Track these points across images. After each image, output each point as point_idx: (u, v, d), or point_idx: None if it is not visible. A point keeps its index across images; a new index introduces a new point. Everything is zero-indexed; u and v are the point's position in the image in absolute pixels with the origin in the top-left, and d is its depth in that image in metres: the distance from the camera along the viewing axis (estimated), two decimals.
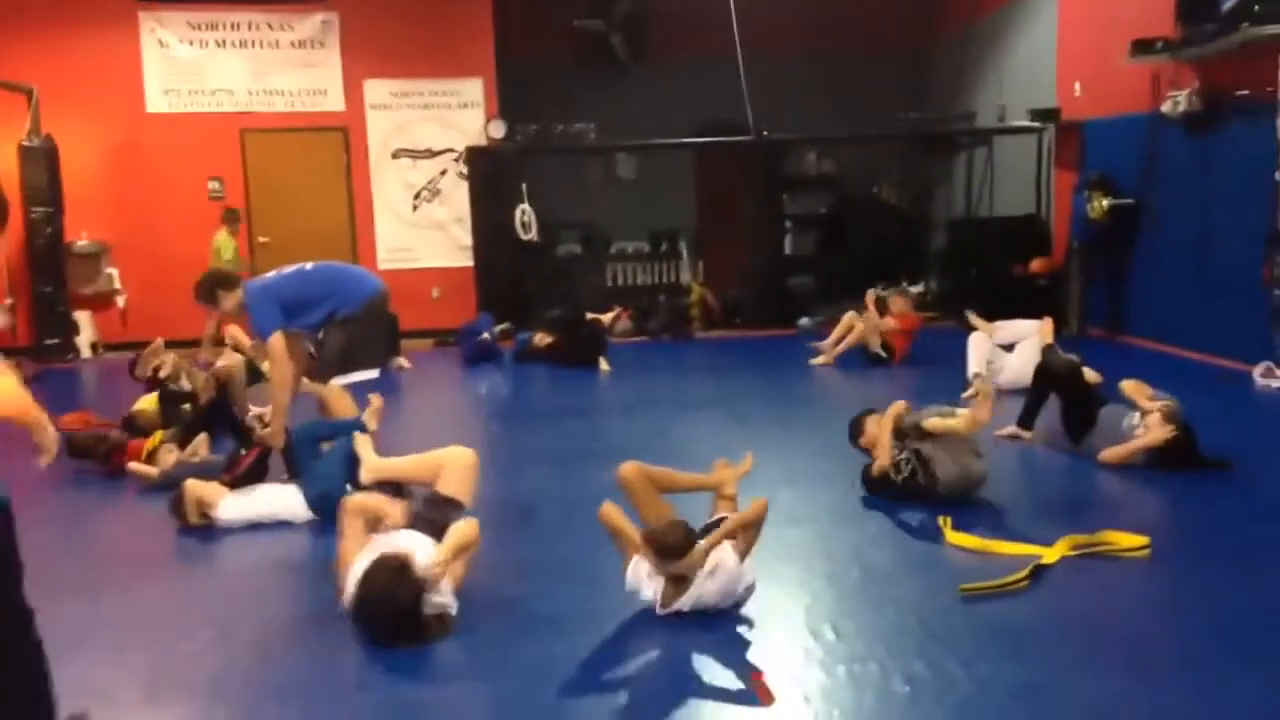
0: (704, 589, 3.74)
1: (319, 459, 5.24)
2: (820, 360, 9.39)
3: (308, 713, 3.29)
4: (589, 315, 10.39)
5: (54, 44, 11.12)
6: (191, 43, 11.49)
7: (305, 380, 5.97)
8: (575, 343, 9.95)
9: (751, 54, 11.43)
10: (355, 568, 3.81)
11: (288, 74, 11.66)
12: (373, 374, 6.09)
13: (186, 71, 11.52)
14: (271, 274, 6.03)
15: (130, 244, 11.45)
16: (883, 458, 5.22)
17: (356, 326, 5.88)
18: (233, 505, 5.17)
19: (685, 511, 4.20)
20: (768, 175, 12.59)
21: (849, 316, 9.44)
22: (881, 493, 5.23)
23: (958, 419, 5.14)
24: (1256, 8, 7.58)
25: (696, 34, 12.26)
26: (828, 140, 13.52)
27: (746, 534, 3.87)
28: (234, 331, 8.19)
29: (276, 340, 5.63)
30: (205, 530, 5.11)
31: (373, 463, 4.92)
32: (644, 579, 3.79)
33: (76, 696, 3.01)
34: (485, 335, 10.26)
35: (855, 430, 5.50)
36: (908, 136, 13.31)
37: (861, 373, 9.07)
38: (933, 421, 5.17)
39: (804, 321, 11.76)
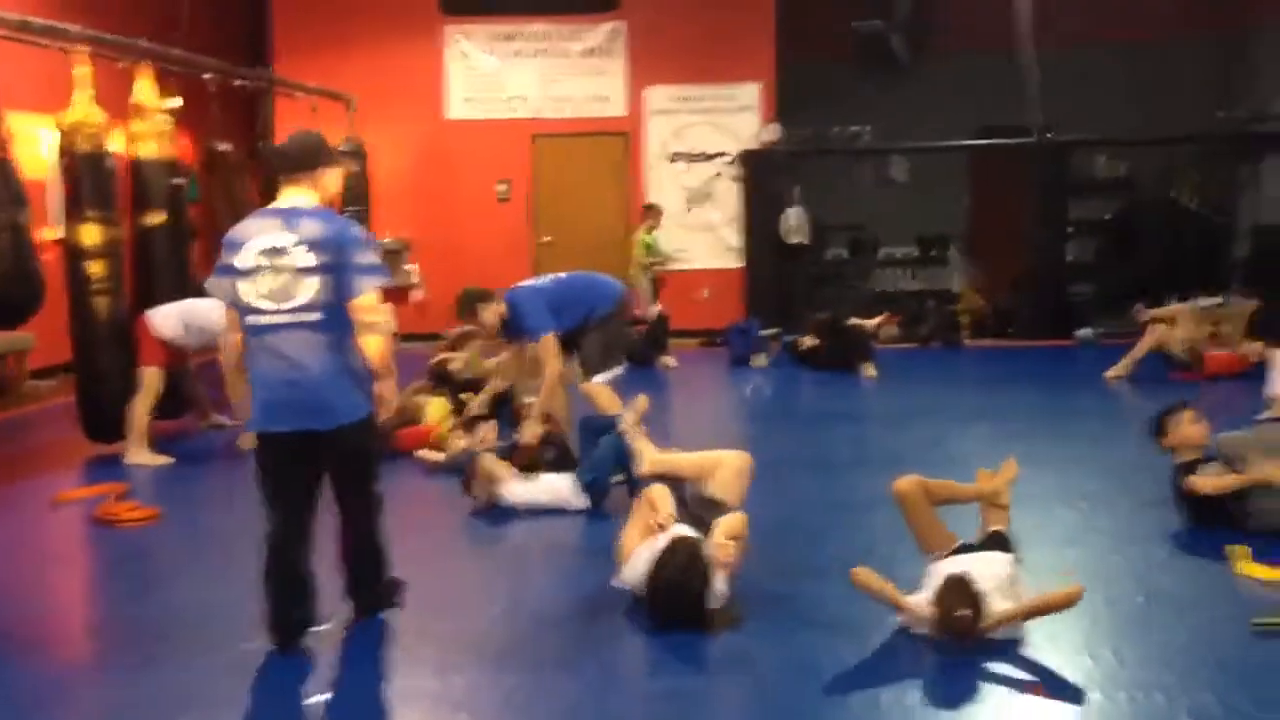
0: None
1: (601, 448, 5.50)
2: (1115, 372, 8.92)
3: (583, 688, 3.51)
4: (853, 320, 10.31)
5: (369, 56, 12.15)
6: (491, 53, 12.27)
7: (569, 377, 6.33)
8: (838, 346, 9.91)
9: (1039, 48, 10.97)
10: (641, 551, 4.03)
11: (576, 81, 12.25)
12: (623, 369, 6.39)
13: (485, 80, 12.31)
14: (529, 281, 6.45)
15: (427, 242, 12.35)
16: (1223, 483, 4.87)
17: (611, 326, 6.23)
18: (518, 488, 5.54)
19: (953, 523, 4.16)
20: (1050, 178, 12.04)
21: (1160, 328, 8.92)
22: (1191, 507, 4.92)
23: None
24: None
25: (980, 28, 11.89)
26: (1115, 142, 12.78)
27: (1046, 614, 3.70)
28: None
29: (550, 340, 6.00)
30: (490, 513, 5.49)
31: (652, 456, 5.07)
32: (921, 623, 3.71)
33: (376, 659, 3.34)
34: (762, 360, 10.31)
35: (1163, 426, 5.13)
36: (1211, 137, 12.37)
37: (1154, 388, 8.52)
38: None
39: (1083, 332, 11.20)
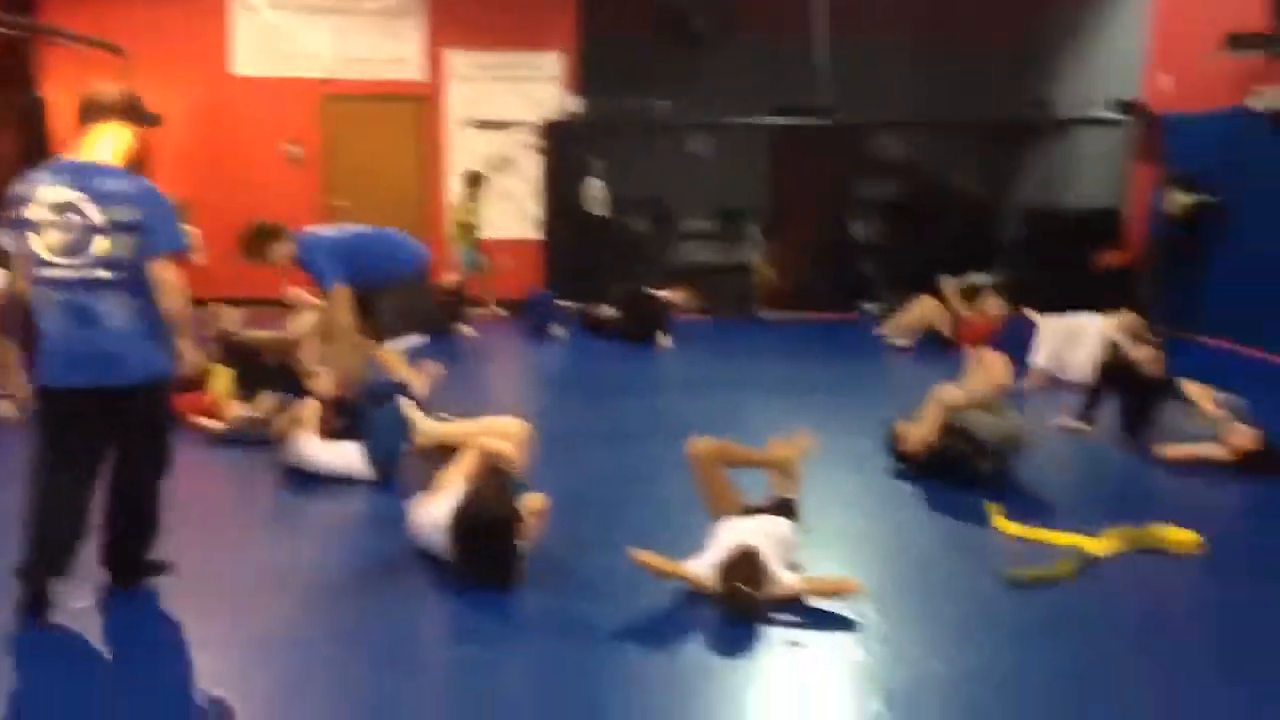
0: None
1: (378, 421, 5.35)
2: (889, 332, 9.44)
3: (364, 662, 3.42)
4: (652, 291, 10.44)
5: (147, 6, 11.40)
6: (280, 7, 11.72)
7: (361, 342, 6.14)
8: (637, 318, 10.03)
9: (834, 35, 11.35)
10: (440, 500, 4.07)
11: (371, 41, 11.85)
12: (423, 339, 6.24)
13: (274, 36, 11.76)
14: (328, 229, 6.22)
15: (209, 204, 11.73)
16: (923, 429, 5.21)
17: (411, 292, 6.07)
18: (315, 446, 5.36)
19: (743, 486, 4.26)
20: (842, 158, 12.49)
21: (928, 302, 9.44)
22: (918, 467, 5.23)
23: (974, 380, 5.23)
24: None
25: (780, 13, 12.19)
26: (902, 124, 13.37)
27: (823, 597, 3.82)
28: (299, 293, 8.39)
29: (339, 290, 5.81)
30: (276, 481, 5.29)
31: (426, 427, 5.00)
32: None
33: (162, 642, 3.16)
34: (559, 330, 10.30)
35: (894, 443, 5.47)
36: (986, 124, 13.11)
37: (928, 359, 9.02)
38: (950, 393, 5.21)
39: (868, 306, 11.70)
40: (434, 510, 4.10)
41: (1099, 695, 3.18)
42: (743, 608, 3.61)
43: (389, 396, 5.31)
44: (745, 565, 3.64)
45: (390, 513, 4.65)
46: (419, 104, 11.98)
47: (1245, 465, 5.34)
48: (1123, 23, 11.21)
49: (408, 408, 5.08)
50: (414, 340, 6.24)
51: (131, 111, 3.69)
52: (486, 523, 3.89)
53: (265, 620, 3.70)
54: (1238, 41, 8.72)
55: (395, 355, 6.07)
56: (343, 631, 3.62)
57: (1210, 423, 5.56)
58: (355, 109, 11.82)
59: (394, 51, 11.90)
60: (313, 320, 8.00)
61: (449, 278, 10.61)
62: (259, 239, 5.98)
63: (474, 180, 11.20)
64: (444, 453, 4.65)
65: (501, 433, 4.61)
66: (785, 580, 3.70)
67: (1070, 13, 12.33)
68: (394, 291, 6.10)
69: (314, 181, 11.92)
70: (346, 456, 5.37)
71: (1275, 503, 5.07)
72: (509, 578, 3.89)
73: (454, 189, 11.43)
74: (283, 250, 5.95)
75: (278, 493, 5.22)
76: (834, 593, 3.76)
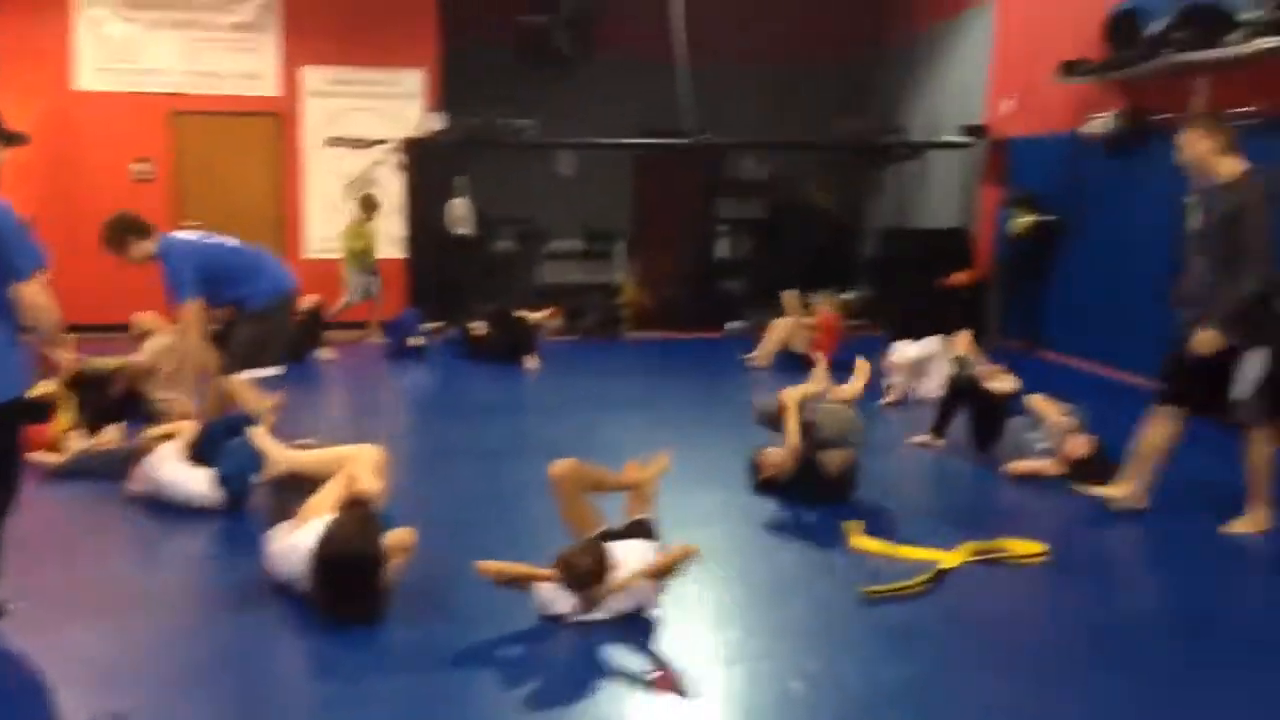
0: (617, 604, 3.80)
1: (229, 450, 5.16)
2: (753, 356, 9.55)
3: (213, 704, 3.29)
4: (518, 312, 10.39)
5: None
6: (128, 20, 11.28)
7: (209, 368, 5.95)
8: (504, 338, 9.96)
9: (694, 59, 11.52)
10: (299, 533, 3.94)
11: (223, 56, 11.50)
12: (277, 371, 6.03)
13: (120, 50, 11.31)
14: (194, 235, 5.98)
15: (51, 221, 11.19)
16: (787, 444, 5.30)
17: (268, 321, 5.84)
18: (174, 466, 5.15)
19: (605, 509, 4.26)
20: (704, 179, 12.69)
21: (780, 322, 9.63)
22: (771, 488, 5.33)
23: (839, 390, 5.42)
24: (1178, 35, 7.83)
25: (642, 36, 12.32)
26: (763, 146, 13.66)
27: (667, 574, 3.87)
28: (146, 320, 8.08)
29: (193, 305, 5.59)
30: (121, 515, 5.05)
31: (278, 456, 4.80)
32: (554, 596, 3.80)
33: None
34: (419, 340, 10.18)
35: (758, 469, 5.48)
36: (842, 145, 13.50)
37: (790, 377, 9.17)
38: (802, 391, 5.40)
39: (733, 325, 11.87)
40: (295, 543, 3.98)
41: (947, 704, 3.27)
42: (582, 577, 3.65)
43: (240, 428, 5.11)
44: (588, 548, 3.73)
45: (244, 544, 4.50)
46: (275, 121, 11.68)
47: (1077, 474, 5.58)
48: (970, 49, 11.68)
49: (259, 437, 4.88)
50: (269, 371, 5.97)
51: None
52: (349, 561, 3.77)
53: (113, 655, 3.52)
54: (1071, 69, 9.18)
55: (246, 386, 5.85)
56: (196, 667, 3.47)
57: (1054, 434, 5.81)
58: (207, 125, 11.46)
59: (248, 67, 11.57)
60: (165, 345, 7.71)
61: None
62: (124, 231, 5.68)
63: (367, 203, 11.01)
64: (300, 482, 4.50)
65: (358, 460, 4.49)
66: (629, 569, 3.74)
67: (923, 40, 12.80)
68: (253, 320, 5.85)
69: (163, 200, 11.49)
70: (200, 483, 5.19)
71: (1108, 511, 5.31)
72: (371, 616, 3.79)
73: (348, 213, 11.16)
74: (144, 248, 5.67)
75: (125, 524, 4.99)
76: (676, 564, 3.80)
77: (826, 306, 9.67)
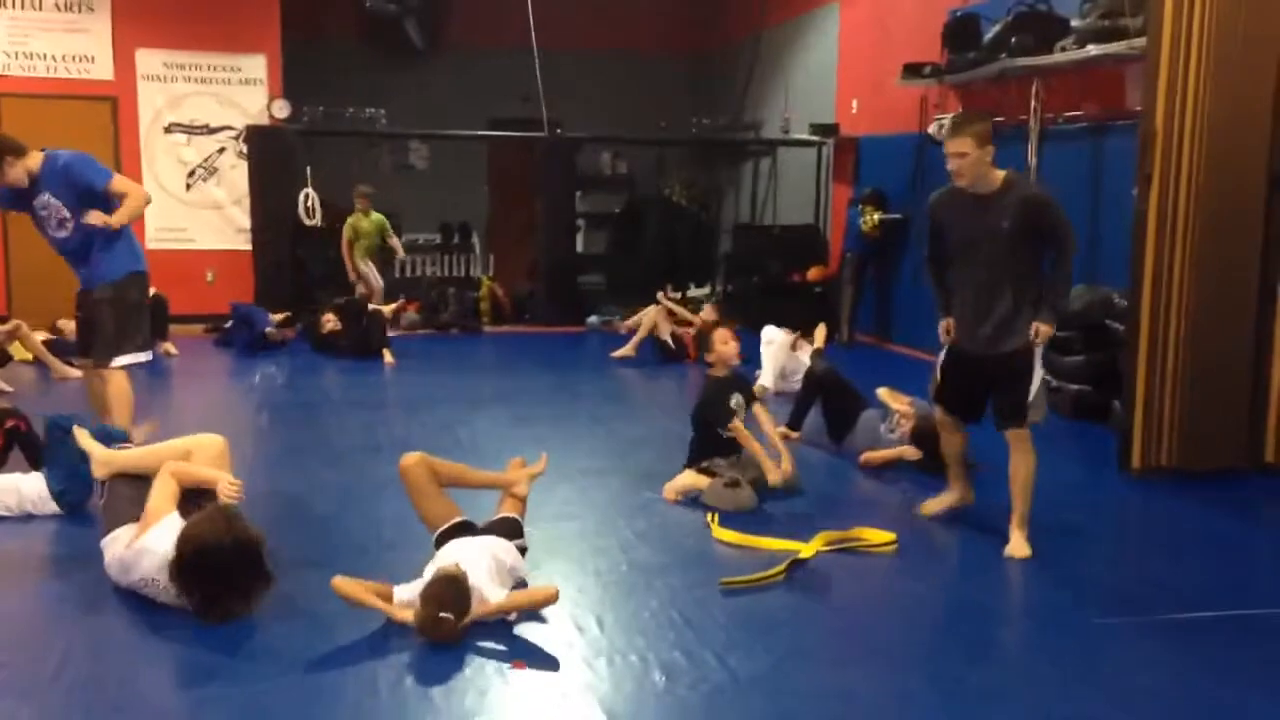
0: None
1: (65, 449, 4.87)
2: (622, 352, 9.53)
3: (42, 709, 3.10)
4: (371, 306, 10.16)
5: None
6: None
7: (77, 366, 5.59)
8: (358, 333, 9.72)
9: (548, 50, 11.47)
10: (152, 534, 3.78)
11: (51, 38, 10.88)
12: (145, 357, 5.71)
13: None
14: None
15: None
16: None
17: (130, 303, 5.48)
18: None
19: (468, 505, 4.19)
20: (561, 172, 12.64)
21: (651, 309, 9.69)
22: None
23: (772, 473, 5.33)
24: (1013, 40, 8.16)
25: (493, 25, 12.20)
26: (620, 140, 13.70)
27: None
28: None
29: (122, 177, 5.36)
30: None
31: (102, 455, 4.44)
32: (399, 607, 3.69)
33: None
34: (271, 330, 9.86)
35: (706, 343, 5.67)
36: (698, 141, 13.65)
37: (653, 371, 9.25)
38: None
39: (592, 319, 11.88)
40: (147, 546, 3.77)
41: (806, 691, 3.33)
42: (442, 637, 3.51)
43: (68, 428, 4.80)
44: (449, 589, 3.54)
45: (82, 550, 4.27)
46: (109, 105, 11.11)
47: (918, 445, 5.76)
48: (819, 47, 11.95)
49: (82, 438, 4.56)
50: (139, 357, 5.62)
51: None
52: (225, 554, 3.60)
53: None
54: (911, 71, 9.48)
55: (121, 379, 5.49)
56: (49, 677, 3.26)
57: (898, 421, 5.99)
58: (37, 109, 10.80)
59: (78, 48, 10.98)
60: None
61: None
62: (9, 149, 5.20)
63: (360, 195, 11.09)
64: (136, 481, 4.27)
65: (197, 450, 4.29)
66: (491, 601, 3.66)
67: (772, 35, 13.02)
68: (113, 302, 5.40)
69: None
70: (23, 491, 4.88)
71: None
72: (249, 607, 3.67)
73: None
74: (22, 167, 5.22)
75: None
76: (538, 604, 3.77)
77: (706, 309, 9.78)
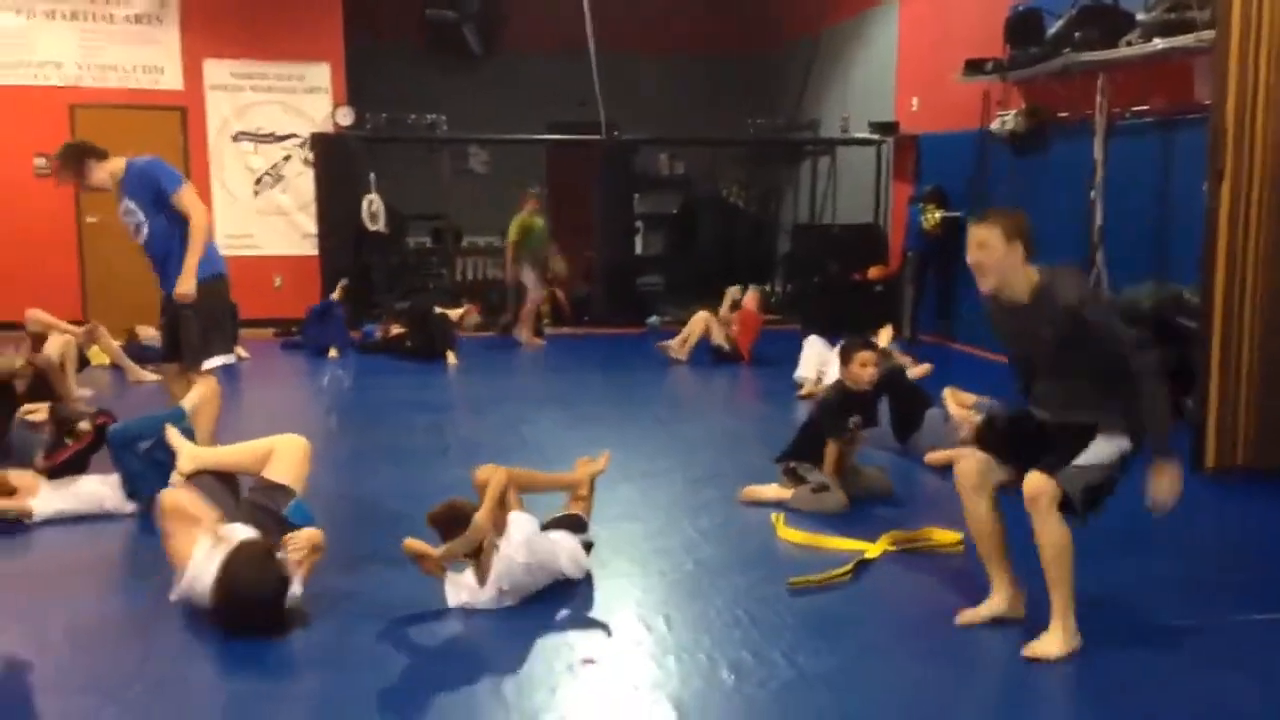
0: (508, 558, 3.79)
1: (140, 458, 4.98)
2: (673, 355, 9.55)
3: (130, 709, 3.19)
4: (438, 309, 10.29)
5: None
6: (18, 11, 10.89)
7: (156, 371, 5.70)
8: (423, 336, 9.86)
9: (604, 52, 11.53)
10: (200, 559, 3.75)
11: (122, 49, 11.17)
12: (231, 359, 5.80)
13: (11, 42, 10.91)
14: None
15: None
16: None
17: (212, 307, 5.55)
18: (50, 498, 4.95)
19: (540, 512, 4.24)
20: (619, 174, 12.71)
21: (700, 314, 9.68)
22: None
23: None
24: (1077, 35, 8.05)
25: (550, 29, 12.28)
26: (677, 142, 13.72)
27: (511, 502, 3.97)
28: (42, 316, 7.83)
29: (191, 188, 5.39)
30: (15, 525, 4.87)
31: (190, 451, 4.57)
32: (457, 585, 3.82)
33: None
34: (334, 353, 10.02)
35: (846, 357, 5.50)
36: (756, 142, 13.63)
37: (707, 372, 9.27)
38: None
39: (652, 320, 11.92)
40: (198, 572, 3.79)
41: (873, 689, 3.33)
42: (451, 520, 3.73)
43: (148, 435, 4.92)
44: (447, 511, 3.78)
45: (158, 550, 4.38)
46: (178, 115, 11.38)
47: (982, 445, 5.68)
48: (878, 45, 11.88)
49: (171, 435, 4.70)
50: (225, 359, 5.71)
51: None
52: (249, 602, 3.66)
53: (69, 684, 3.39)
54: (972, 68, 9.39)
55: (212, 384, 5.60)
56: (112, 683, 3.36)
57: (959, 425, 5.93)
58: (109, 119, 11.09)
59: (148, 59, 11.26)
60: (65, 341, 7.48)
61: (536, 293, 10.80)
62: (83, 155, 5.43)
63: (528, 197, 11.02)
64: (220, 479, 4.39)
65: (279, 451, 4.37)
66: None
67: (830, 35, 12.97)
68: (199, 305, 5.44)
69: (65, 195, 11.11)
70: (94, 496, 5.02)
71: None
72: (274, 635, 3.70)
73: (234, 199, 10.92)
74: (105, 171, 5.41)
75: (16, 534, 4.82)
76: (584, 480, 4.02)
77: (750, 299, 9.75)
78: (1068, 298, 3.49)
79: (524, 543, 3.84)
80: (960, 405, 6.01)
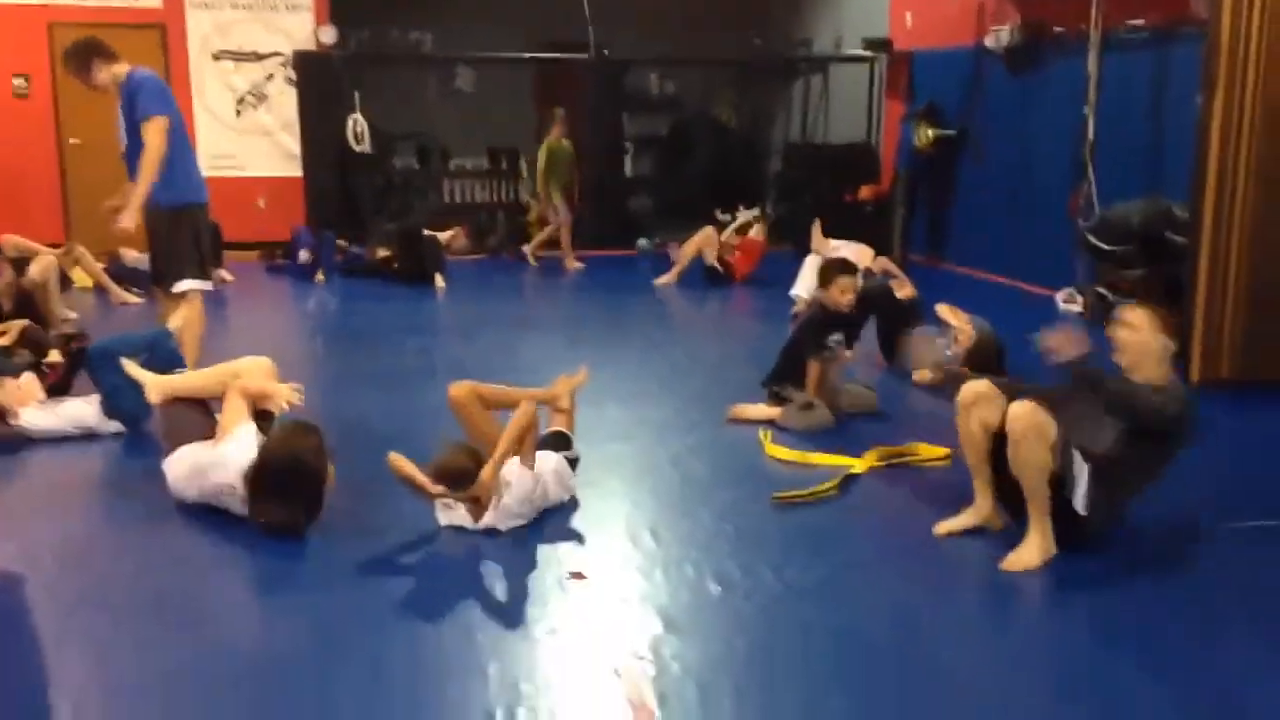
0: (507, 507, 3.83)
1: (118, 374, 4.96)
2: (664, 279, 9.50)
3: (118, 619, 3.22)
4: (426, 231, 10.20)
5: None
6: None
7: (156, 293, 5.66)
8: (412, 258, 9.78)
9: None
10: (243, 434, 3.96)
11: None
12: (204, 285, 5.75)
13: None
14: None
15: None
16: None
17: (181, 232, 5.52)
18: (38, 415, 4.96)
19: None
20: (608, 95, 12.51)
21: (706, 232, 9.63)
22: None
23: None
24: None
25: None
26: (667, 61, 13.51)
27: (529, 442, 3.92)
28: (18, 241, 7.76)
29: (162, 122, 5.28)
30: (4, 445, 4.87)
31: (154, 381, 4.55)
32: (448, 510, 3.86)
33: None
34: (304, 255, 9.94)
35: (825, 277, 5.46)
36: (747, 61, 13.42)
37: (699, 294, 9.24)
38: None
39: (642, 242, 11.84)
40: (223, 458, 3.89)
41: (859, 600, 3.37)
42: (456, 478, 3.71)
43: (132, 353, 4.91)
44: (459, 452, 3.80)
45: (143, 469, 4.40)
46: (158, 33, 11.14)
47: (972, 365, 5.70)
48: None
49: (130, 368, 4.65)
50: (197, 284, 5.64)
51: None
52: (301, 466, 3.76)
53: (63, 599, 3.42)
54: None
55: (196, 306, 5.58)
56: (128, 591, 3.39)
57: (957, 335, 5.91)
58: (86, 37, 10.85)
59: None
60: (45, 265, 7.42)
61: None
62: (90, 53, 5.39)
63: (554, 118, 10.75)
64: (192, 404, 4.40)
65: (245, 373, 4.36)
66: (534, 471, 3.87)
67: None
68: (170, 228, 5.45)
69: (45, 116, 10.96)
70: (78, 416, 5.02)
71: None
72: (307, 522, 3.80)
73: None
74: (109, 73, 5.38)
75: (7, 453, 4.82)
76: (524, 428, 3.87)
77: (759, 229, 9.72)
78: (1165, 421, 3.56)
79: (521, 501, 3.85)
80: (957, 318, 5.97)
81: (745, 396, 5.45)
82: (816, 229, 8.18)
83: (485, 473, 3.73)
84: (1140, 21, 7.78)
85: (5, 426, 4.91)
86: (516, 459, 3.88)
